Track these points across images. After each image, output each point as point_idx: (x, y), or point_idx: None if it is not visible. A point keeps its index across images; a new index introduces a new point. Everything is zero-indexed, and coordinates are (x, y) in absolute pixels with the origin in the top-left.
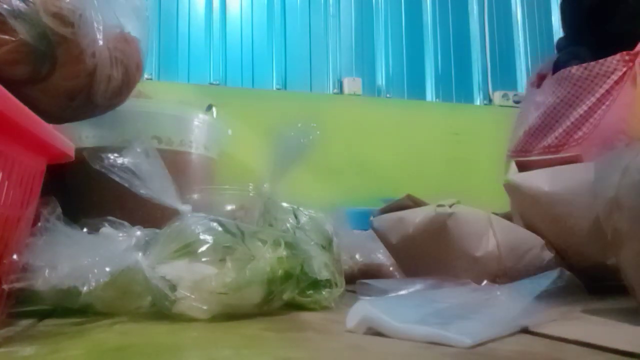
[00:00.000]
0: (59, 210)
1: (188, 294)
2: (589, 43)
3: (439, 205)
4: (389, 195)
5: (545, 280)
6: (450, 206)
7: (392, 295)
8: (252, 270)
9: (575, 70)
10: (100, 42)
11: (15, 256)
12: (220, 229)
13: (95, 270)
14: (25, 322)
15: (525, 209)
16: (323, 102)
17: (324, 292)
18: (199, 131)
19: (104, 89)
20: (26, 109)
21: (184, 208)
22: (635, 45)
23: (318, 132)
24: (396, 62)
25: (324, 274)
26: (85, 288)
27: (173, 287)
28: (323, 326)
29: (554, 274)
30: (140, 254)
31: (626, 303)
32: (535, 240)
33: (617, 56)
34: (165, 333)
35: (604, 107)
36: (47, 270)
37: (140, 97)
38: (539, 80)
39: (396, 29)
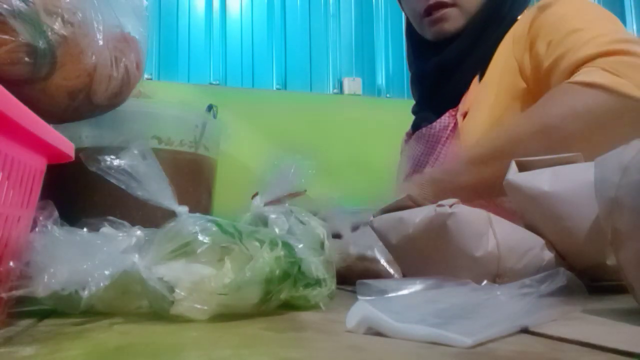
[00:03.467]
0: (56, 214)
1: (187, 295)
2: (432, 107)
3: (438, 205)
4: (389, 195)
5: (545, 280)
6: (451, 206)
7: (392, 295)
8: (251, 271)
9: (424, 130)
10: (100, 42)
11: (15, 259)
12: (217, 229)
13: (95, 274)
14: (25, 322)
15: (526, 209)
16: (323, 102)
17: (314, 292)
18: (199, 131)
19: (104, 88)
20: (26, 108)
21: (181, 209)
22: (458, 104)
23: (313, 171)
24: (396, 62)
25: (314, 275)
26: (85, 292)
27: (171, 289)
28: (323, 326)
29: (554, 274)
30: (136, 255)
31: (626, 303)
32: (535, 240)
33: (447, 114)
34: (165, 333)
35: (445, 149)
36: (46, 276)
37: (140, 97)
38: (408, 138)
39: (396, 29)
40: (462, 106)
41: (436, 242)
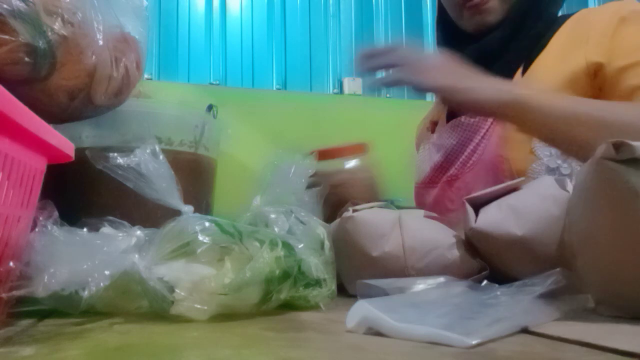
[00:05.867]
0: (55, 214)
1: (187, 295)
2: None
3: (346, 210)
4: (389, 195)
5: (546, 280)
6: (354, 211)
7: (392, 295)
8: (251, 271)
9: (463, 119)
10: (100, 42)
11: (15, 259)
12: (217, 228)
13: (95, 275)
14: (25, 322)
15: (499, 255)
16: (323, 102)
17: (314, 292)
18: (198, 131)
19: (104, 89)
20: (26, 108)
21: (186, 209)
22: None
23: (311, 170)
24: None
25: (314, 275)
26: (85, 292)
27: (171, 289)
28: (323, 326)
29: (554, 274)
30: (136, 255)
31: None
32: (443, 240)
33: None
34: (165, 333)
35: (485, 140)
36: (46, 277)
37: (140, 97)
38: (432, 125)
39: (396, 29)
40: None
41: (341, 246)
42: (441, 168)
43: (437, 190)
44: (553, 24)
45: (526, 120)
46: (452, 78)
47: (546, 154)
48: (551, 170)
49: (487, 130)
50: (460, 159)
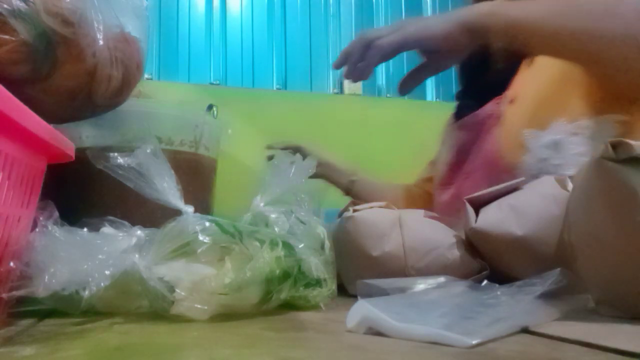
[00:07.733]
0: (56, 214)
1: (187, 295)
2: (476, 94)
3: (346, 210)
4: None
5: (546, 280)
6: (354, 210)
7: (392, 295)
8: (251, 271)
9: (467, 118)
10: (101, 42)
11: (16, 259)
12: (217, 228)
13: (96, 275)
14: (25, 322)
15: (499, 254)
16: (323, 102)
17: (314, 292)
18: (198, 131)
19: (105, 88)
20: (26, 108)
21: (187, 209)
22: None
23: (311, 170)
24: (396, 62)
25: (315, 275)
26: (86, 292)
27: (171, 288)
28: (323, 326)
29: (554, 274)
30: (137, 255)
31: None
32: (443, 240)
33: (492, 102)
34: (166, 333)
35: (486, 138)
36: (46, 277)
37: (140, 97)
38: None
39: None
40: (510, 91)
41: (341, 246)
42: (454, 168)
43: (453, 190)
44: None
45: (498, 34)
46: (411, 27)
47: (536, 145)
48: (542, 161)
49: (491, 127)
50: (470, 157)
